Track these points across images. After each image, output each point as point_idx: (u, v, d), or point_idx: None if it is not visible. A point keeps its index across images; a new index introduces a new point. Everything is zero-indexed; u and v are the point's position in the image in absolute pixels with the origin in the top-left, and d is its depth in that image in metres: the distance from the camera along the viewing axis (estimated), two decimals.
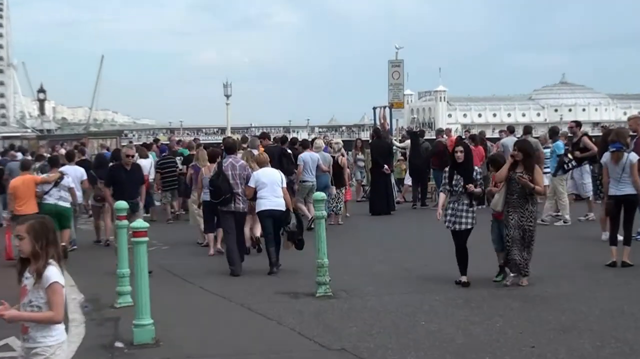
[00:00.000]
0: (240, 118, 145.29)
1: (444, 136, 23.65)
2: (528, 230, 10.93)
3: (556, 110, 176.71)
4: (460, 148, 11.24)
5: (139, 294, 8.64)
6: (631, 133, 14.05)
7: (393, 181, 22.19)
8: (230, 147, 14.05)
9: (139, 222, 8.93)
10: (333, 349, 8.22)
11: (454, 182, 11.11)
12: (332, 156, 19.30)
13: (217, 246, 14.68)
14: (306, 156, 18.01)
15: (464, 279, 11.09)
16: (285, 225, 12.65)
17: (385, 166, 20.71)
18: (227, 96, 67.59)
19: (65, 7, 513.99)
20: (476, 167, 11.49)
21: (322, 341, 8.49)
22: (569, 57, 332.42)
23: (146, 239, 8.81)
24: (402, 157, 24.82)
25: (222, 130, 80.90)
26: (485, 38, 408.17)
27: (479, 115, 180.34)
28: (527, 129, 20.78)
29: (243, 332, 9.17)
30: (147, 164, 18.64)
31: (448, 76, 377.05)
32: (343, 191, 19.35)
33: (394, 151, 23.30)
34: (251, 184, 12.81)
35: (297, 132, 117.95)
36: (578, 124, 19.38)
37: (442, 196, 11.54)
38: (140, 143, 29.59)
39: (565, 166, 16.97)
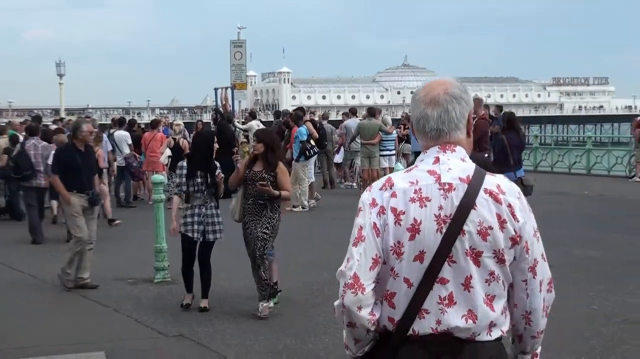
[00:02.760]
0: (76, 99, 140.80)
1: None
2: (261, 239, 8.58)
3: (399, 92, 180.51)
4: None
5: None
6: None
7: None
8: (32, 130, 15.61)
9: None
10: (170, 335, 8.09)
11: (199, 181, 8.96)
12: (172, 138, 19.03)
13: None
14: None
15: (188, 300, 9.16)
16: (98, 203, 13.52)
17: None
18: (61, 75, 64.82)
19: None
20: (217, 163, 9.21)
21: (160, 327, 8.34)
22: (411, 40, 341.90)
23: None
24: (245, 139, 24.66)
25: (56, 111, 77.85)
26: (330, 19, 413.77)
27: (323, 97, 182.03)
28: (371, 111, 21.02)
29: (77, 321, 8.85)
30: None
31: (292, 57, 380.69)
32: None
33: (237, 133, 23.15)
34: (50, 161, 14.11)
35: (138, 113, 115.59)
36: (306, 110, 20.42)
37: (176, 199, 9.21)
38: None
39: (307, 152, 17.33)
